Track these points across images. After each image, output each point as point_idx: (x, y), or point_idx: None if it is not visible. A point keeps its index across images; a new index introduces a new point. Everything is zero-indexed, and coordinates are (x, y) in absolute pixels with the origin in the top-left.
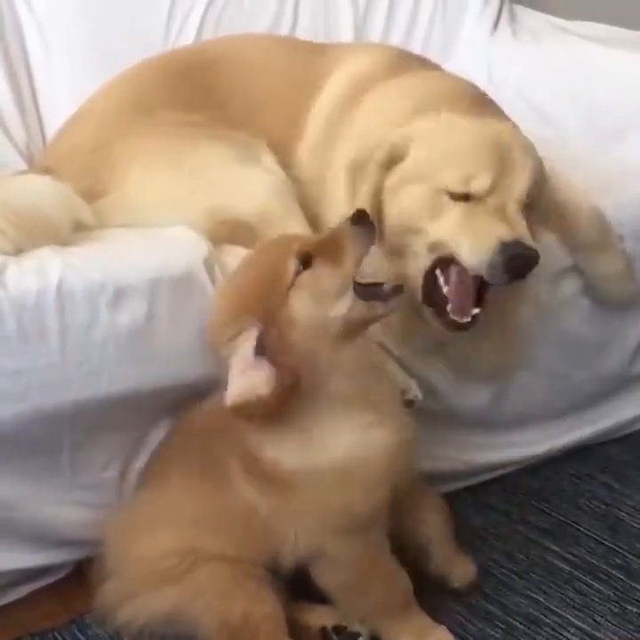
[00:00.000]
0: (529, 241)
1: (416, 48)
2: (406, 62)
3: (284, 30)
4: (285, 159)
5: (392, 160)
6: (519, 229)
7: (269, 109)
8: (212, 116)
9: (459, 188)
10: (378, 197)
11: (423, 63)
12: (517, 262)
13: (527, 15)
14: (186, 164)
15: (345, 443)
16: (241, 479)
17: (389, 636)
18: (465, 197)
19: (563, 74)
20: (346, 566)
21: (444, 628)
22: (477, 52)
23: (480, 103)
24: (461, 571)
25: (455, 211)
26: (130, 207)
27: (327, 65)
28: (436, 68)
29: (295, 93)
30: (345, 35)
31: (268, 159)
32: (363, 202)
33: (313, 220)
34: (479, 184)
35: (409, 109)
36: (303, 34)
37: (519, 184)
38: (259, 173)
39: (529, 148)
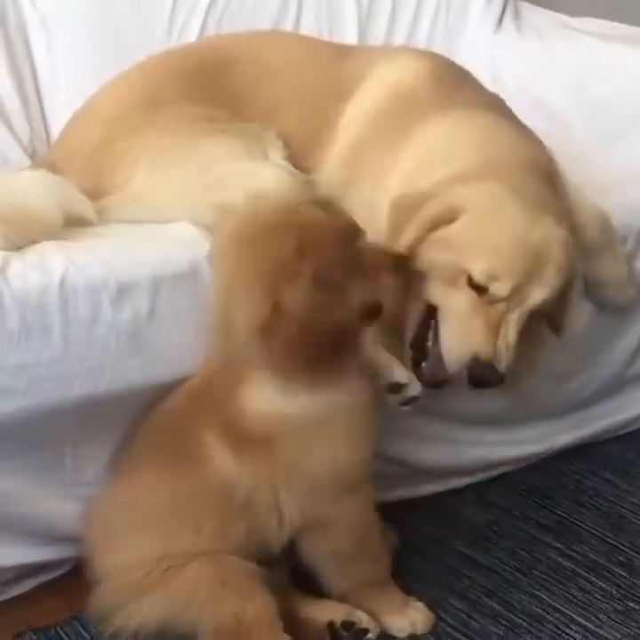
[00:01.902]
0: (502, 362)
1: (420, 44)
2: (450, 81)
3: (287, 27)
4: (301, 161)
5: (442, 221)
6: (506, 345)
7: (285, 110)
8: (222, 112)
9: (479, 281)
10: (417, 245)
11: (465, 80)
12: (477, 380)
13: (531, 12)
14: (193, 160)
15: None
16: (219, 452)
17: (371, 609)
18: (481, 290)
19: (567, 70)
20: (341, 532)
21: (420, 603)
22: (481, 49)
23: (535, 174)
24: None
25: (465, 297)
26: (138, 204)
27: (355, 68)
28: (478, 86)
29: (317, 96)
30: (349, 31)
31: (278, 150)
32: (403, 247)
33: None
34: (498, 288)
35: (467, 164)
36: (307, 31)
37: (535, 297)
38: (267, 166)
39: (564, 264)
